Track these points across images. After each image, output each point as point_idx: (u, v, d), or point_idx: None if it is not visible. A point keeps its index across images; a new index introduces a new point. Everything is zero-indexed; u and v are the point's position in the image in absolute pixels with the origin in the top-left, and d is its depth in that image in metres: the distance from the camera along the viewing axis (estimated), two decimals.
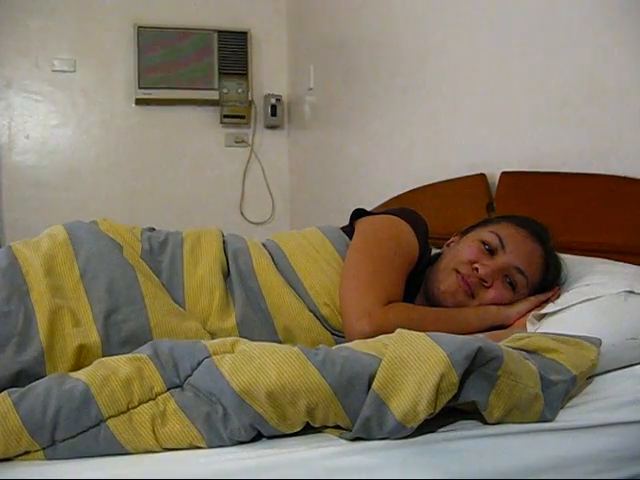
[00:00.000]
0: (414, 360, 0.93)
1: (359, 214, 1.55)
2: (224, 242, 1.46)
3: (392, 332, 1.16)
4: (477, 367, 0.95)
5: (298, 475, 0.90)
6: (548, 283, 1.46)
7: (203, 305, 1.33)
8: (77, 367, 1.12)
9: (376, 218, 1.52)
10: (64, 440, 0.90)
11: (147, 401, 0.95)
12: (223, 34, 3.95)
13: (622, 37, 1.69)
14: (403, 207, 1.61)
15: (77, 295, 1.24)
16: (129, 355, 1.02)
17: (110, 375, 0.96)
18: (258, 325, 1.34)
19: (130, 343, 1.19)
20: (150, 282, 1.31)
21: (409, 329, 1.07)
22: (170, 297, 1.33)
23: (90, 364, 1.03)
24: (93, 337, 1.19)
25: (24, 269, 1.25)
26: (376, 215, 1.54)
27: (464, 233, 1.54)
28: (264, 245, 1.49)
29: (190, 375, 0.97)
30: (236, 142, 4.07)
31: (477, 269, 1.41)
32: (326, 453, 0.93)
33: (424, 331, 1.04)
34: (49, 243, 1.33)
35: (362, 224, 1.50)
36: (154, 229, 1.51)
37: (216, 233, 1.48)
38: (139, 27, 3.82)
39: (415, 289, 1.49)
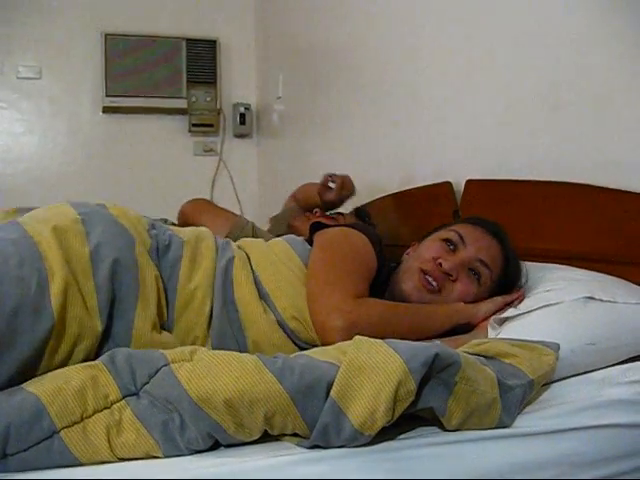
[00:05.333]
0: (371, 367, 0.93)
1: (317, 228, 1.56)
2: (217, 251, 1.43)
3: (366, 326, 1.17)
4: (435, 373, 0.95)
5: None
6: (510, 278, 1.50)
7: (190, 316, 1.31)
8: (71, 354, 1.11)
9: (333, 230, 1.54)
10: (15, 454, 0.88)
11: (102, 410, 0.93)
12: (192, 42, 3.94)
13: (585, 47, 1.71)
14: (355, 222, 1.62)
15: (85, 274, 1.19)
16: (84, 364, 1.01)
17: (62, 385, 0.94)
18: (230, 337, 1.32)
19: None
20: (148, 284, 1.27)
21: (381, 322, 1.07)
22: (158, 308, 1.28)
23: (84, 355, 1.05)
24: (97, 327, 1.15)
25: (35, 239, 1.18)
26: (332, 227, 1.56)
27: (421, 240, 1.57)
28: None
29: (147, 383, 0.96)
30: (205, 151, 4.06)
31: (441, 264, 1.43)
32: (284, 461, 0.92)
33: (396, 325, 1.05)
34: (59, 219, 1.26)
35: (320, 236, 1.51)
36: (154, 225, 1.44)
37: (212, 242, 1.45)
38: (107, 34, 3.80)
39: (379, 295, 1.48)
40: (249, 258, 1.46)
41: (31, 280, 1.09)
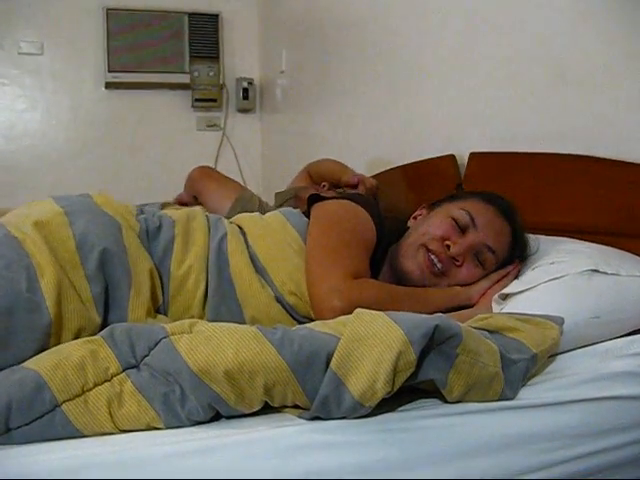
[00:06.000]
0: (371, 338, 0.93)
1: (314, 200, 1.54)
2: (209, 228, 1.43)
3: (364, 307, 1.15)
4: (435, 345, 0.95)
5: (256, 454, 0.90)
6: (514, 258, 1.47)
7: (187, 294, 1.31)
8: None
9: (330, 202, 1.51)
10: (18, 427, 0.89)
11: (102, 383, 0.93)
12: (194, 17, 3.90)
13: (590, 20, 1.69)
14: (353, 193, 1.59)
15: (74, 266, 1.18)
16: (83, 339, 1.01)
17: (62, 360, 0.94)
18: (228, 315, 1.31)
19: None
20: (139, 270, 1.26)
21: (378, 305, 1.06)
22: (151, 291, 1.28)
23: None
24: (95, 318, 1.16)
25: (19, 237, 1.17)
26: (330, 200, 1.53)
27: (431, 207, 1.54)
28: None
29: (147, 355, 0.96)
30: (208, 126, 4.04)
31: (448, 246, 1.41)
32: (285, 432, 0.92)
33: (393, 308, 1.05)
34: (41, 214, 1.25)
35: (318, 209, 1.49)
36: (142, 210, 1.45)
37: (203, 220, 1.45)
38: (108, 9, 3.76)
39: (377, 269, 1.48)
40: (245, 233, 1.45)
41: (21, 279, 1.09)
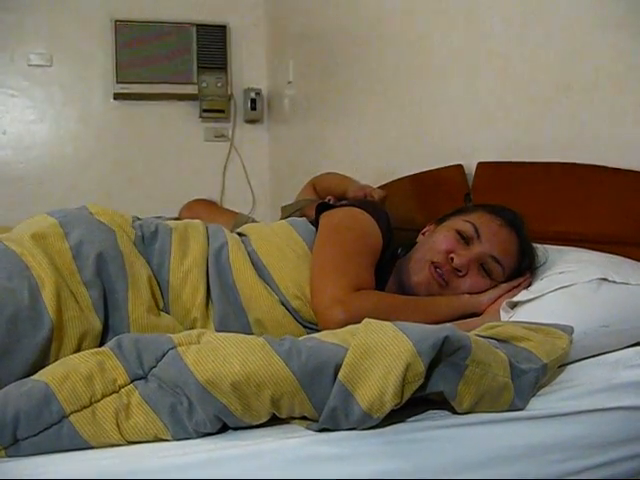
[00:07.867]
0: (380, 350, 0.92)
1: (323, 208, 1.55)
2: (207, 236, 1.45)
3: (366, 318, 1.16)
4: (445, 357, 0.94)
5: (264, 466, 0.89)
6: (522, 270, 1.47)
7: (185, 298, 1.32)
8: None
9: (338, 210, 1.52)
10: (26, 438, 0.89)
11: (110, 394, 0.94)
12: (202, 28, 3.92)
13: (596, 30, 1.69)
14: (363, 199, 1.59)
15: (72, 274, 1.21)
16: (91, 350, 1.02)
17: (70, 372, 0.94)
18: (232, 319, 1.33)
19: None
20: (136, 272, 1.29)
21: (381, 316, 1.07)
22: (151, 293, 1.30)
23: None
24: (95, 323, 1.18)
25: (18, 251, 1.20)
26: (338, 208, 1.54)
27: (439, 222, 1.54)
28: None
29: (154, 366, 0.96)
30: (216, 137, 4.04)
31: (452, 259, 1.41)
32: (293, 444, 0.92)
33: (396, 318, 1.05)
34: (37, 227, 1.28)
35: (325, 217, 1.50)
36: (140, 218, 1.48)
37: (201, 228, 1.47)
38: (117, 21, 3.78)
39: (384, 278, 1.48)
40: (248, 239, 1.47)
41: (23, 291, 1.12)
